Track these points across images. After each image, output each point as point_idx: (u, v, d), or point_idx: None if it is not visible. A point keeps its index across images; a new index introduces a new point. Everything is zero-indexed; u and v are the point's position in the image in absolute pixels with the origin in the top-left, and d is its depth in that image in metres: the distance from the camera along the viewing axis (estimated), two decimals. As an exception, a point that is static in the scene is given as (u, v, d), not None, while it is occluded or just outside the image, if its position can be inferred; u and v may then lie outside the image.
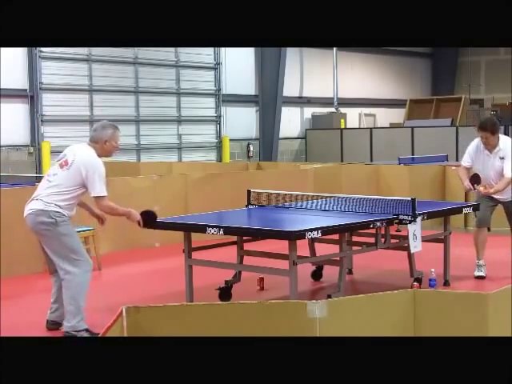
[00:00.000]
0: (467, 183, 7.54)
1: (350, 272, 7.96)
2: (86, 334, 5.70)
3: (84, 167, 5.70)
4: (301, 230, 5.81)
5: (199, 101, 18.45)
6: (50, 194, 5.70)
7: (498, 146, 7.50)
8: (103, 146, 5.86)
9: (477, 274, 7.76)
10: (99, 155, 5.86)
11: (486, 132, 7.42)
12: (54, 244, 5.74)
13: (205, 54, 18.38)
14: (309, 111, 21.47)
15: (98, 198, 5.75)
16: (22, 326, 6.12)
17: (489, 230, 7.80)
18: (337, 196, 7.59)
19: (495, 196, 7.58)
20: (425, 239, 7.03)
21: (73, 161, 5.73)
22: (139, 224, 6.09)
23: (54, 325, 6.02)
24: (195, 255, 6.67)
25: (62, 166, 5.77)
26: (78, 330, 5.72)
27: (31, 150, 15.24)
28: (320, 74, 21.60)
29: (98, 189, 5.70)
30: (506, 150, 7.44)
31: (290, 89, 20.29)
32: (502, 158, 7.43)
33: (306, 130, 21.11)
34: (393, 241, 7.10)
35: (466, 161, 7.75)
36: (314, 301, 3.43)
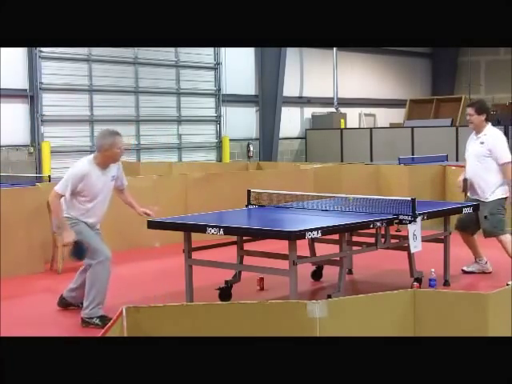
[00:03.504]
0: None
1: (350, 272, 7.96)
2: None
3: None
4: (301, 230, 5.81)
5: (199, 101, 18.44)
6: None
7: (482, 132, 7.63)
8: (104, 154, 6.15)
9: (465, 267, 8.03)
10: (100, 163, 6.16)
11: (470, 108, 7.65)
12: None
13: (205, 54, 18.37)
14: (309, 111, 21.46)
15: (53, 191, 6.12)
16: (22, 326, 6.12)
17: (471, 233, 7.90)
18: (337, 196, 7.59)
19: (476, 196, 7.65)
20: (425, 239, 7.03)
21: None
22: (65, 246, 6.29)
23: (66, 304, 6.53)
24: (195, 255, 6.67)
25: None
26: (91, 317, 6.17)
27: (31, 149, 15.23)
28: (320, 74, 21.59)
29: (58, 185, 6.09)
30: (488, 138, 7.54)
31: (290, 89, 20.28)
32: (482, 143, 7.56)
33: (306, 129, 21.10)
34: (393, 241, 7.10)
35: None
36: (313, 301, 3.43)
